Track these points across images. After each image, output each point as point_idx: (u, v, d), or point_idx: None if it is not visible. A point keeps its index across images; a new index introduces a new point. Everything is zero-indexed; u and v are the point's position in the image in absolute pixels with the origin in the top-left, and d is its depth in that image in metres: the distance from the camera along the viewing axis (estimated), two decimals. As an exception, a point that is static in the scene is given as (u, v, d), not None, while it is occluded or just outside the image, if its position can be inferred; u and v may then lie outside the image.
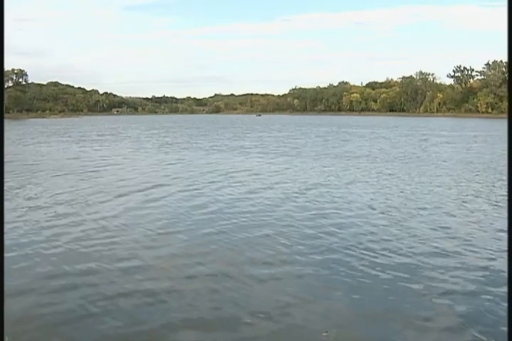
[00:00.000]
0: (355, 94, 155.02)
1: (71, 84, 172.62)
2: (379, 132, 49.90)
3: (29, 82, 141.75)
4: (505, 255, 7.73)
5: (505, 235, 9.17)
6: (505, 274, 6.85)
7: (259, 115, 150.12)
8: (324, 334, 5.07)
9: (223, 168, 19.67)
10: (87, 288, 6.42)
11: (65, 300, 6.01)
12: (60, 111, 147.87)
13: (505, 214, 10.78)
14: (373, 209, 11.46)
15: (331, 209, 11.38)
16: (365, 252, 7.94)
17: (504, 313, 5.13)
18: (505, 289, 6.40)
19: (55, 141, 36.94)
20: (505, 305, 5.16)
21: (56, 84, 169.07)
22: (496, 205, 11.92)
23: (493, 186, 14.88)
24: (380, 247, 8.21)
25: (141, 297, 6.17)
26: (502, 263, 7.38)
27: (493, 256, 7.78)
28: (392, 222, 10.12)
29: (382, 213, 10.98)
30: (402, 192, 13.84)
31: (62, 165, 20.39)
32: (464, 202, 12.34)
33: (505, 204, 12.11)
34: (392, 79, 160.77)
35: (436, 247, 8.21)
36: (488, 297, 6.15)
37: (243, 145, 32.36)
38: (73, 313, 5.66)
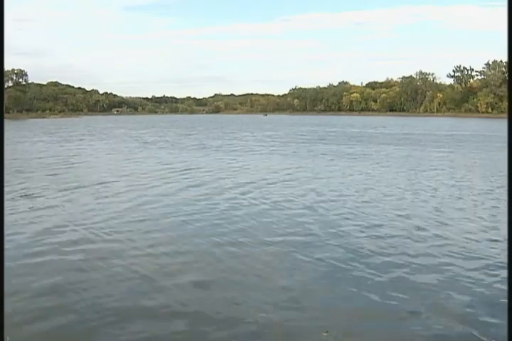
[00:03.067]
0: (355, 94, 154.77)
1: (71, 84, 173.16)
2: (366, 131, 50.11)
3: (29, 82, 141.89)
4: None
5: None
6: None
7: (266, 115, 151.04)
8: (325, 334, 4.92)
9: (185, 165, 19.86)
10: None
11: None
12: (60, 111, 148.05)
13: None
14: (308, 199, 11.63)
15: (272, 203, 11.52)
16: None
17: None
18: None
19: (42, 141, 36.89)
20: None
21: (56, 84, 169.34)
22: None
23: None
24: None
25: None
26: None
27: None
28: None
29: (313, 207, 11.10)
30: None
31: (29, 164, 20.37)
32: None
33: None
34: (392, 79, 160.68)
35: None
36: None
37: (222, 145, 32.42)
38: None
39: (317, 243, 8.31)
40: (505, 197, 12.57)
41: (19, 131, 49.76)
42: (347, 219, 10.14)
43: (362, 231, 9.08)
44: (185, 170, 18.37)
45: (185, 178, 16.17)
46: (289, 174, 17.33)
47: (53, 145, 31.76)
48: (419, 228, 9.34)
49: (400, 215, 10.47)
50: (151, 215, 10.43)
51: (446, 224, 9.64)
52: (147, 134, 47.16)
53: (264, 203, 11.76)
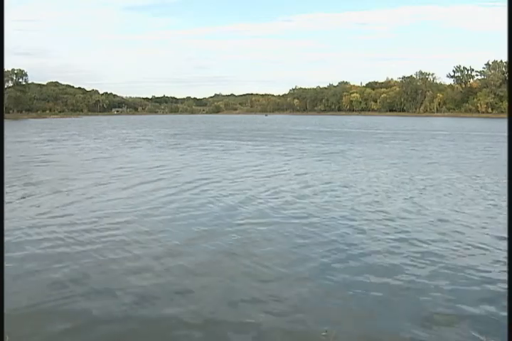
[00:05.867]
0: (355, 94, 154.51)
1: (71, 84, 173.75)
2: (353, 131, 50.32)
3: (29, 82, 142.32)
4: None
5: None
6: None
7: (266, 115, 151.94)
8: (324, 334, 4.92)
9: (156, 163, 20.22)
10: None
11: None
12: (60, 112, 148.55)
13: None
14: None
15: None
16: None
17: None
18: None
19: (29, 141, 36.94)
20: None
21: (56, 84, 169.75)
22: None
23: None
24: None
25: None
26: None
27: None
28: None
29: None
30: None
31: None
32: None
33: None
34: (392, 79, 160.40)
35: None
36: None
37: (202, 143, 32.61)
38: None
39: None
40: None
41: (15, 131, 49.97)
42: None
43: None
44: (152, 167, 18.70)
45: (149, 174, 16.53)
46: (256, 170, 17.62)
47: (40, 145, 31.86)
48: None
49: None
50: (110, 209, 10.82)
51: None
52: (136, 134, 47.38)
53: (213, 203, 11.89)
